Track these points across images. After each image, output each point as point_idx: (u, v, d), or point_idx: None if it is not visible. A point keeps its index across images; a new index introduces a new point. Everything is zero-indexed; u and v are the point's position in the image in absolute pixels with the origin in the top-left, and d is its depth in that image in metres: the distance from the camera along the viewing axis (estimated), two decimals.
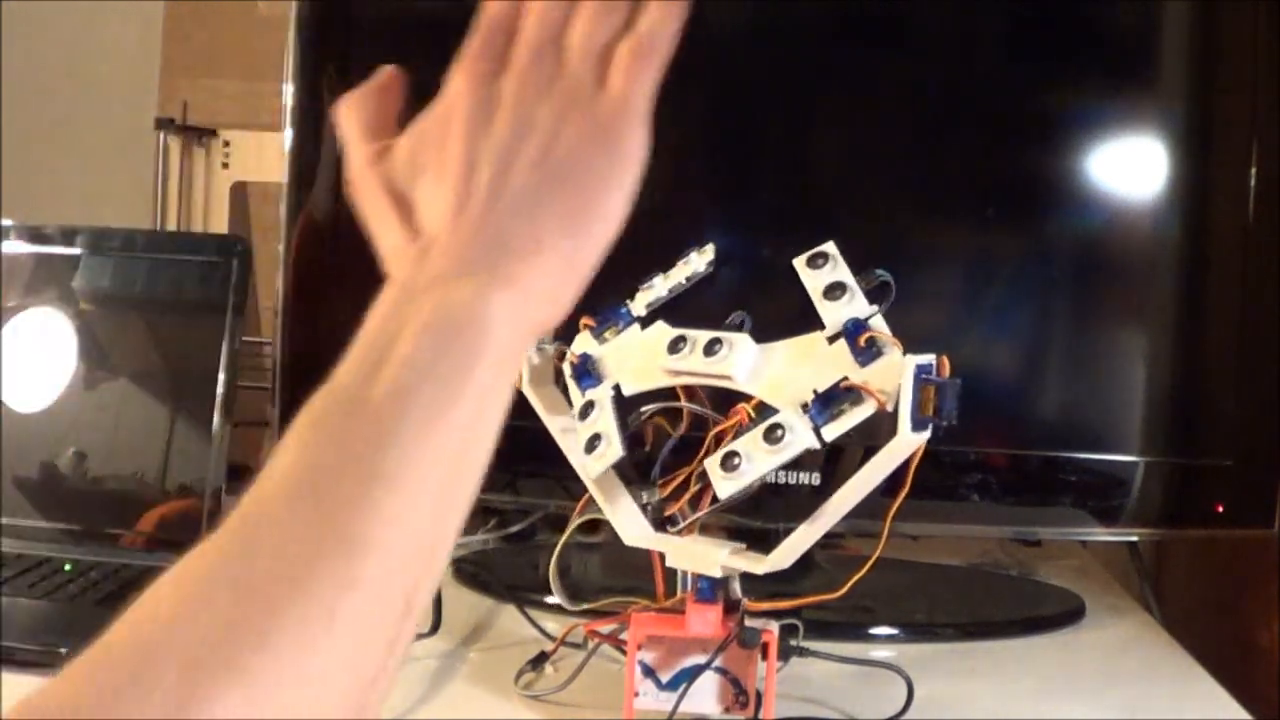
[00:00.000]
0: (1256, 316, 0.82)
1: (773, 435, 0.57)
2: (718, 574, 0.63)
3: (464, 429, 0.42)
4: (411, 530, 0.40)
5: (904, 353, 0.57)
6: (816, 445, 0.57)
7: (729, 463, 0.57)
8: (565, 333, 0.66)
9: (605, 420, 0.62)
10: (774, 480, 0.61)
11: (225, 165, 1.24)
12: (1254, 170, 0.82)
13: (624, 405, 0.63)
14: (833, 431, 0.57)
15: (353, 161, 0.51)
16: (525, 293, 0.45)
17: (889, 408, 0.56)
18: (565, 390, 0.66)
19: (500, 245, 0.46)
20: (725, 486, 0.57)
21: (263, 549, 0.38)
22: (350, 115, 0.52)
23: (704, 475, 0.62)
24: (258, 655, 0.35)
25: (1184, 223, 0.83)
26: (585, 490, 0.65)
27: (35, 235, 0.96)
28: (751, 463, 0.57)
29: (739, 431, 0.59)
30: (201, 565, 0.38)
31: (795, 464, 0.62)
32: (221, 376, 0.90)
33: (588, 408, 0.63)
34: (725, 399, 0.62)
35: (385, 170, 0.50)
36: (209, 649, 0.35)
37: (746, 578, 0.64)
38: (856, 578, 0.62)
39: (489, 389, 0.43)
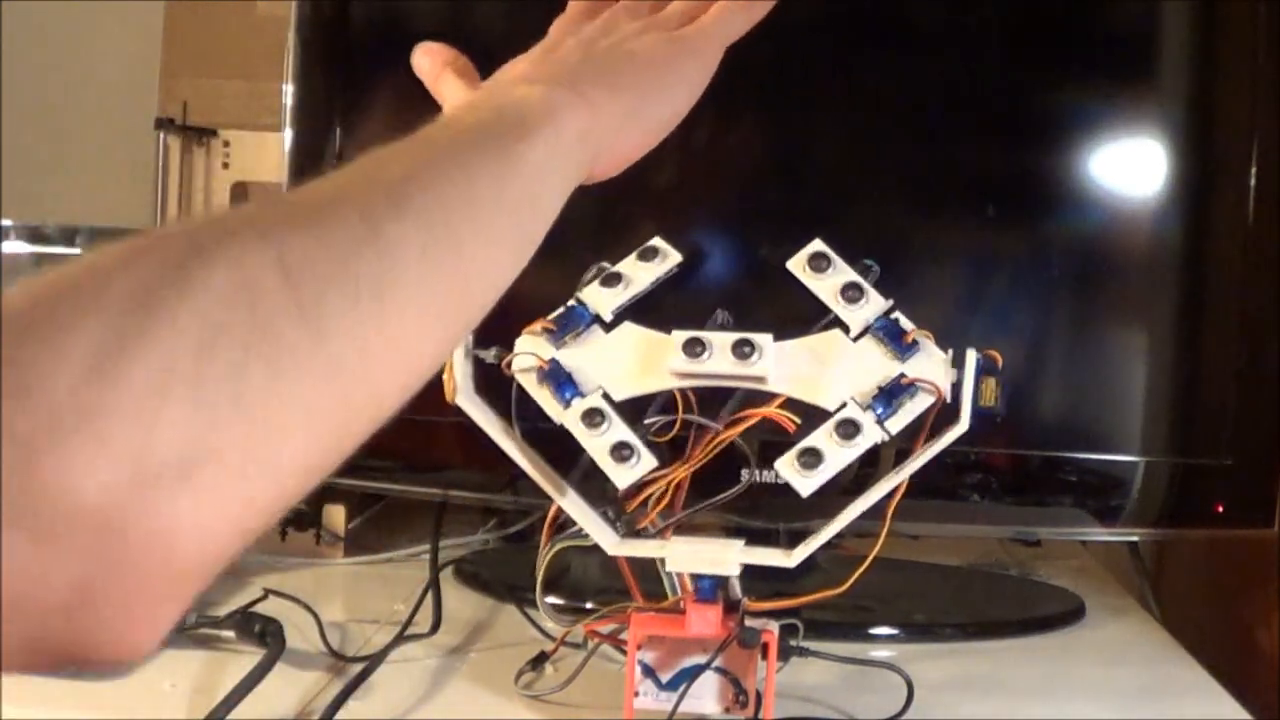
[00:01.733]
0: (1256, 316, 0.82)
1: (845, 431, 0.58)
2: (736, 572, 0.63)
3: (522, 195, 0.45)
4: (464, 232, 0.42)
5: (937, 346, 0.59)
6: (885, 438, 0.58)
7: (807, 460, 0.58)
8: (503, 338, 0.63)
9: (622, 429, 0.61)
10: (774, 480, 0.61)
11: (225, 165, 1.24)
12: (1254, 170, 0.82)
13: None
14: (896, 425, 0.58)
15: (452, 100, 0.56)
16: (593, 107, 0.49)
17: (948, 399, 0.58)
18: (493, 401, 0.64)
19: (576, 74, 0.51)
20: (805, 484, 0.58)
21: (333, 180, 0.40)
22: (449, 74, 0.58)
23: (681, 483, 0.62)
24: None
25: (1184, 223, 0.83)
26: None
27: (35, 235, 0.96)
28: (828, 459, 0.58)
29: (798, 435, 0.59)
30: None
31: None
32: None
33: (592, 415, 0.61)
34: (710, 401, 0.62)
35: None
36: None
37: (746, 577, 0.64)
38: (858, 574, 0.63)
39: (541, 167, 0.46)
